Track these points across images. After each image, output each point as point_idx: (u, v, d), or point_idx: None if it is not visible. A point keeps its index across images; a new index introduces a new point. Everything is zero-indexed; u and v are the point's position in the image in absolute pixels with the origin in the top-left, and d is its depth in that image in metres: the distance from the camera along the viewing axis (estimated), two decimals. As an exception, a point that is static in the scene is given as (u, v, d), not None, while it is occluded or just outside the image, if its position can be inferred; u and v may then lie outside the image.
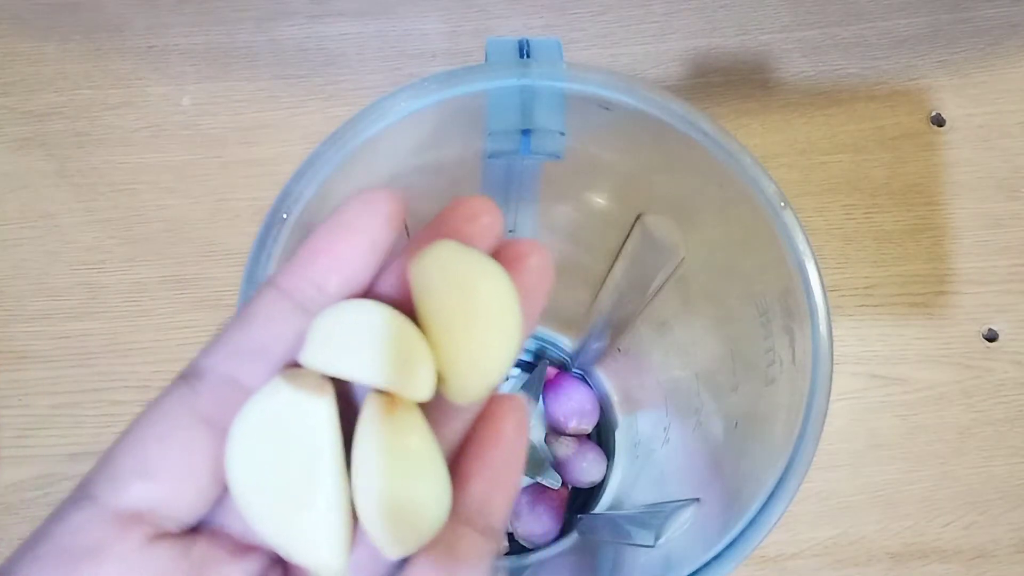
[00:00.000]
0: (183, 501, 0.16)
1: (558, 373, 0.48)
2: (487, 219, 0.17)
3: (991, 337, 0.50)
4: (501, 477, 0.17)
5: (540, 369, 0.47)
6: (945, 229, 0.52)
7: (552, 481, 0.45)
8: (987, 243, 0.51)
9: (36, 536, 0.15)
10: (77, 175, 0.51)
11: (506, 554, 0.44)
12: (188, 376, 0.16)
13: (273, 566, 0.17)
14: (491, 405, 0.17)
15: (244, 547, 0.17)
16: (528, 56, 0.28)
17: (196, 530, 0.17)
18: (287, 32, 0.54)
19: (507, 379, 0.48)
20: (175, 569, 0.16)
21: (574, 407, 0.46)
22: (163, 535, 0.16)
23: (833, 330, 0.27)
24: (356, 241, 0.16)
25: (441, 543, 0.16)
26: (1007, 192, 0.52)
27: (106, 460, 0.16)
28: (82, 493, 0.16)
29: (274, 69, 0.53)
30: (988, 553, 0.47)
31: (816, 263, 0.27)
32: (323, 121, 0.52)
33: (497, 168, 0.31)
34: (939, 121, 0.53)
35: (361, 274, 0.16)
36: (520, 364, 0.48)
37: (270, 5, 0.55)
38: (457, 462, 0.17)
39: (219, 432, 0.16)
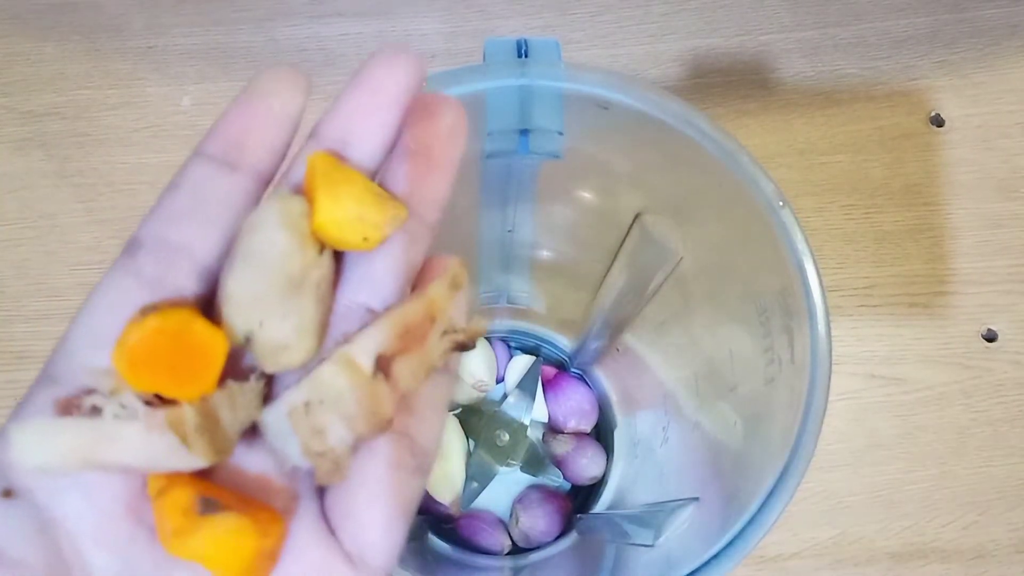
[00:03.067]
0: None
1: (557, 373, 0.48)
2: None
3: (990, 337, 0.50)
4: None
5: (535, 367, 0.47)
6: (945, 229, 0.52)
7: (554, 478, 0.45)
8: (987, 243, 0.51)
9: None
10: (77, 175, 0.51)
11: (506, 554, 0.44)
12: (128, 248, 0.17)
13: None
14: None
15: None
16: (526, 56, 0.28)
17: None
18: (287, 32, 0.54)
19: (502, 380, 0.48)
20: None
21: (573, 407, 0.46)
22: None
23: (832, 330, 0.27)
24: (271, 105, 0.17)
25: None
26: (1007, 192, 0.52)
27: (62, 340, 0.16)
28: (43, 375, 0.16)
29: (274, 69, 0.53)
30: (988, 553, 0.47)
31: (815, 262, 0.27)
32: (323, 121, 0.52)
33: (496, 168, 0.31)
34: (938, 121, 0.53)
35: (281, 133, 0.17)
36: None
37: (270, 5, 0.55)
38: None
39: (162, 292, 0.16)
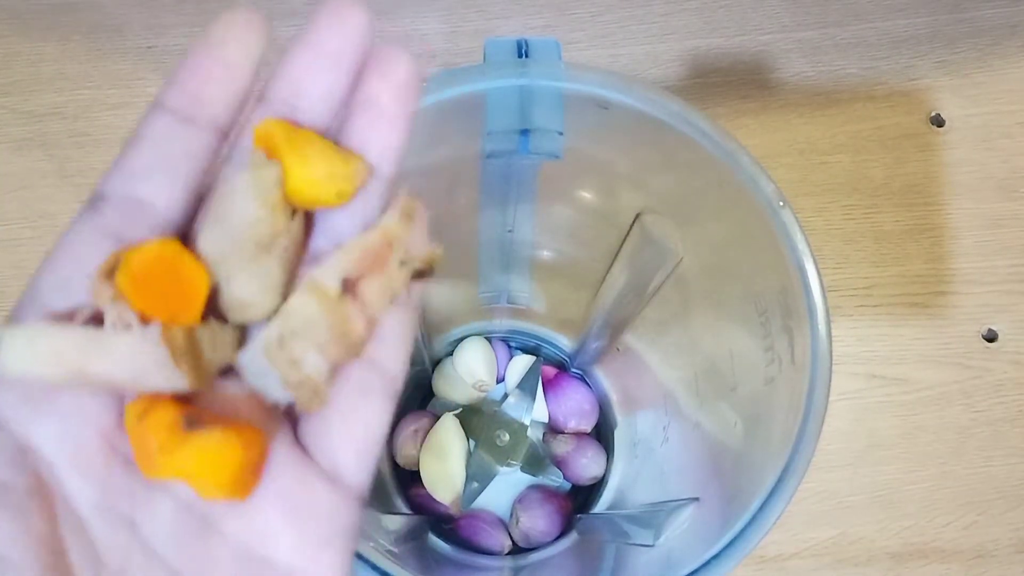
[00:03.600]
0: None
1: (557, 373, 0.48)
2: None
3: (991, 337, 0.50)
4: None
5: (535, 367, 0.47)
6: (945, 229, 0.52)
7: (554, 478, 0.45)
8: (987, 243, 0.51)
9: None
10: (77, 175, 0.51)
11: (506, 554, 0.44)
12: (92, 201, 0.17)
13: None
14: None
15: None
16: (526, 56, 0.28)
17: None
18: (287, 32, 0.54)
19: (502, 380, 0.48)
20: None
21: (573, 407, 0.46)
22: None
23: (832, 330, 0.27)
24: (228, 55, 0.17)
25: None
26: (1007, 192, 0.52)
27: (29, 287, 0.17)
28: (11, 320, 0.17)
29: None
30: (988, 553, 0.47)
31: (815, 262, 0.27)
32: (323, 121, 0.52)
33: (496, 168, 0.31)
34: (938, 121, 0.53)
35: (239, 84, 0.17)
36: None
37: (270, 5, 0.55)
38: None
39: (122, 244, 0.17)
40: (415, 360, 0.45)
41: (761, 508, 0.26)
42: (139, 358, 0.16)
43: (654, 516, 0.34)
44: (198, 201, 0.17)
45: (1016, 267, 0.51)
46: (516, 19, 0.55)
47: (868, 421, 0.49)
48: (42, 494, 0.15)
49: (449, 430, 0.45)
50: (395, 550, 0.33)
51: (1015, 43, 0.55)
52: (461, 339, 0.48)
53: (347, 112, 0.18)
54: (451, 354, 0.48)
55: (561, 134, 0.28)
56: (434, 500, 0.44)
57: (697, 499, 0.32)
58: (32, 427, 0.16)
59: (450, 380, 0.48)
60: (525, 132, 0.28)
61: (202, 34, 0.17)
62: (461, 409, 0.47)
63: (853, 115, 0.53)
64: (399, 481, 0.46)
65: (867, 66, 0.54)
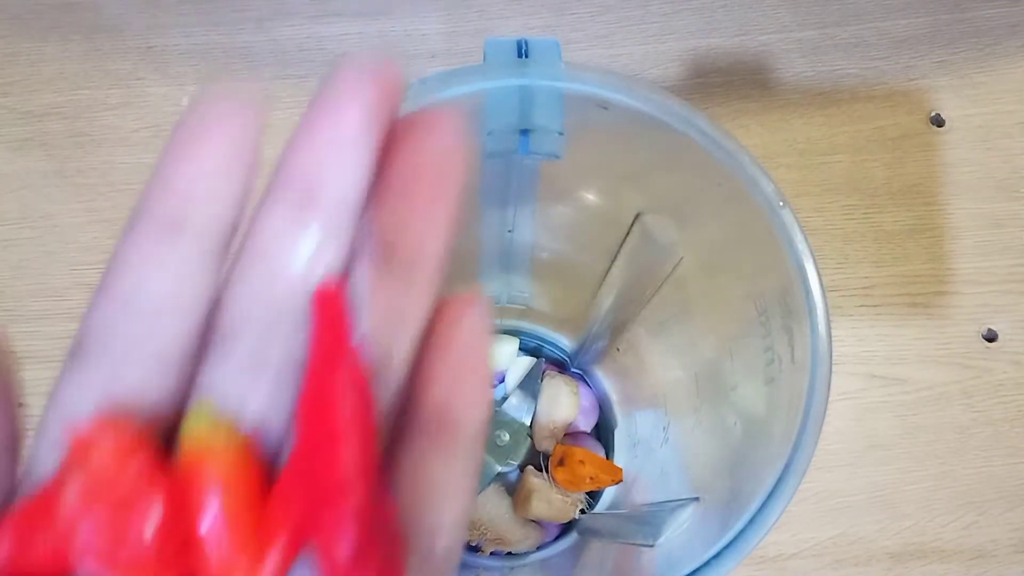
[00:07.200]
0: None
1: (558, 372, 0.48)
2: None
3: (991, 337, 0.50)
4: (462, 375, 0.15)
5: (536, 367, 0.47)
6: (945, 229, 0.52)
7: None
8: (987, 243, 0.51)
9: None
10: (77, 175, 0.51)
11: (507, 554, 0.44)
12: (73, 351, 0.14)
13: None
14: (444, 308, 0.15)
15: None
16: (526, 56, 0.28)
17: None
18: (287, 32, 0.54)
19: (502, 380, 0.48)
20: None
21: (573, 407, 0.46)
22: None
23: (832, 330, 0.27)
24: (214, 144, 0.14)
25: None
26: (1007, 192, 0.52)
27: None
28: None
29: (274, 69, 0.54)
30: (988, 553, 0.47)
31: (815, 262, 0.27)
32: (323, 121, 0.52)
33: (496, 168, 0.31)
34: (938, 121, 0.53)
35: (231, 178, 0.14)
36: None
37: (270, 5, 0.55)
38: (414, 370, 0.15)
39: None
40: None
41: (761, 508, 0.26)
42: None
43: (654, 516, 0.34)
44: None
45: (1016, 267, 0.51)
46: (516, 19, 0.55)
47: (868, 421, 0.49)
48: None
49: None
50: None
51: (1015, 43, 0.55)
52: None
53: (372, 197, 0.14)
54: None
55: (561, 134, 0.28)
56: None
57: (697, 499, 0.32)
58: None
59: None
60: (525, 132, 0.28)
61: (184, 113, 0.14)
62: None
63: (853, 115, 0.53)
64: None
65: (867, 66, 0.54)
